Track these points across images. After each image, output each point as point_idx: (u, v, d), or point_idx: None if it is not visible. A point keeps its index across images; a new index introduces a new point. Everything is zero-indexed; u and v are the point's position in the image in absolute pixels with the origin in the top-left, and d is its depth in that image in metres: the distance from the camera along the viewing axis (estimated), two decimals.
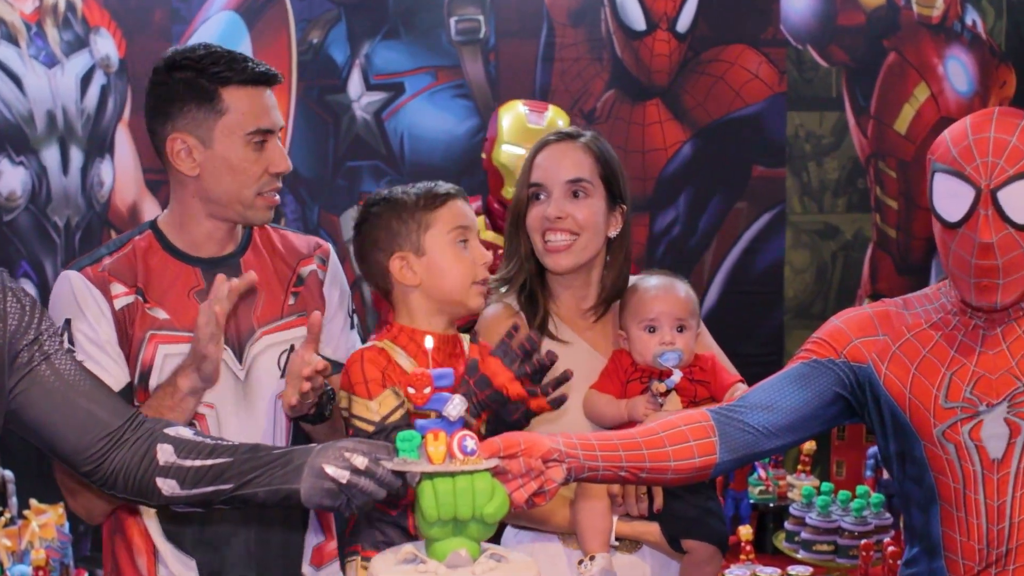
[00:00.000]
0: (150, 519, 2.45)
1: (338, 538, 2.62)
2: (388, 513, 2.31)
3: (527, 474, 2.00)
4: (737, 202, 5.52)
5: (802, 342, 2.33)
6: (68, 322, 2.39)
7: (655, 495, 2.52)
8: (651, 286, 2.59)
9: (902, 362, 2.21)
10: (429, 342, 2.02)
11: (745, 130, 5.48)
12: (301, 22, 5.13)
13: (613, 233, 2.65)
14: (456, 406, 1.90)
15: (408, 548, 1.94)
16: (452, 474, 1.87)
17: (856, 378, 2.23)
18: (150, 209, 5.03)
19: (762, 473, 4.52)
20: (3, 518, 3.98)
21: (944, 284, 2.27)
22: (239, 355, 2.45)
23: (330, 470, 1.92)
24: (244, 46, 4.95)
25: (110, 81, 4.99)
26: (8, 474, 4.09)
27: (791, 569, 3.83)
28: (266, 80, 2.43)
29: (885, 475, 4.52)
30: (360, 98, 5.17)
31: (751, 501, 4.52)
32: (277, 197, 2.48)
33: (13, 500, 4.08)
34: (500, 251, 2.52)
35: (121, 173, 5.02)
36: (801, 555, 4.12)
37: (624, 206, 2.65)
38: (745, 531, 3.89)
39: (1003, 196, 2.07)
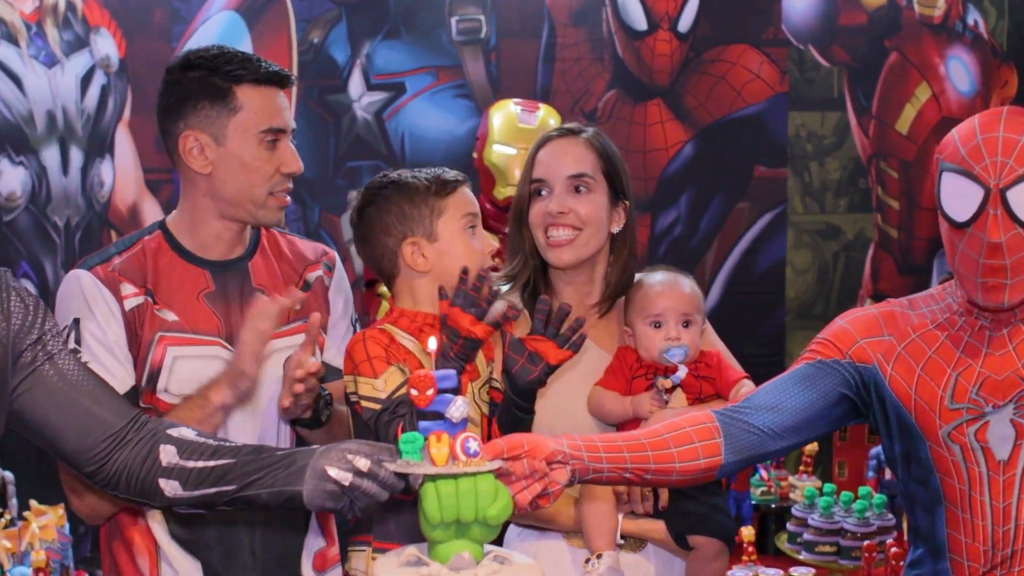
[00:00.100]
0: (155, 520, 2.45)
1: (340, 537, 2.61)
2: (405, 500, 2.29)
3: (531, 476, 1.99)
4: (738, 202, 5.52)
5: (803, 342, 2.33)
6: (77, 321, 2.38)
7: (660, 493, 2.52)
8: (656, 282, 2.59)
9: (907, 363, 2.20)
10: (432, 343, 2.01)
11: (746, 130, 5.48)
12: (302, 22, 5.13)
13: (616, 229, 2.64)
14: (459, 407, 1.88)
15: (411, 550, 1.93)
16: (455, 476, 1.86)
17: (861, 379, 2.22)
18: (150, 209, 5.03)
19: (764, 474, 4.52)
20: (3, 519, 3.98)
21: (950, 284, 2.26)
22: None
23: (332, 472, 1.91)
24: (244, 46, 4.95)
25: (110, 81, 4.99)
26: (8, 475, 4.09)
27: (793, 570, 3.81)
28: (279, 80, 2.44)
29: (887, 476, 4.53)
30: (361, 98, 5.17)
31: (753, 502, 4.52)
32: (288, 198, 2.47)
33: (13, 501, 4.08)
34: (489, 251, 2.52)
35: (121, 173, 5.02)
36: (803, 556, 4.11)
37: (627, 202, 2.65)
38: (747, 532, 3.88)
39: (1012, 196, 2.06)
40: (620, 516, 2.51)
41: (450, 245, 2.41)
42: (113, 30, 4.98)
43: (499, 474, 1.93)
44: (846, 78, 5.58)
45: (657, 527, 2.53)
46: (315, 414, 2.41)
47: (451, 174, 2.46)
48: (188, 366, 2.40)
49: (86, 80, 4.96)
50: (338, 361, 2.49)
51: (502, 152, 4.12)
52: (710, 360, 2.57)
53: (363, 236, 2.46)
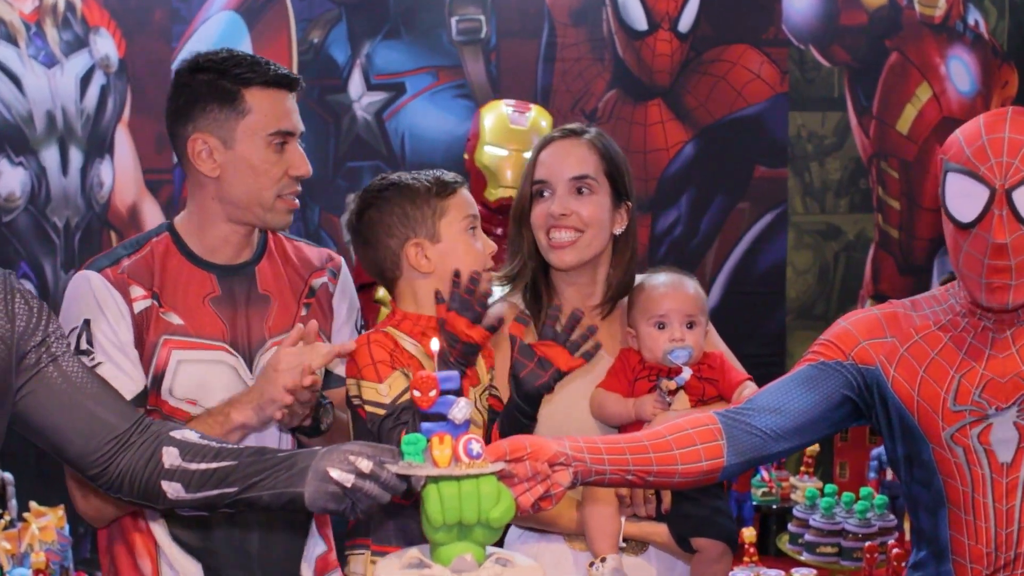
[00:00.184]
0: (156, 522, 2.45)
1: (336, 538, 2.61)
2: (404, 505, 2.29)
3: (533, 478, 1.99)
4: (739, 202, 5.52)
5: (804, 343, 2.32)
6: (87, 323, 2.38)
7: (663, 496, 2.51)
8: (660, 283, 2.58)
9: (910, 364, 2.20)
10: (435, 344, 2.00)
11: (747, 130, 5.48)
12: (302, 22, 5.12)
13: (618, 230, 2.63)
14: (462, 409, 1.88)
15: (413, 552, 1.93)
16: (457, 478, 1.86)
17: (864, 380, 2.22)
18: (150, 210, 5.03)
19: (765, 475, 4.51)
20: (3, 521, 3.97)
21: (952, 285, 2.26)
22: (249, 364, 2.44)
23: (334, 473, 1.91)
24: (244, 46, 4.94)
25: (110, 81, 4.98)
26: (8, 476, 4.08)
27: (795, 571, 3.81)
28: (287, 83, 2.43)
29: (888, 476, 4.52)
30: (361, 98, 5.16)
31: (754, 503, 4.52)
32: (296, 201, 2.47)
33: (13, 503, 4.07)
34: (490, 252, 2.52)
35: (121, 174, 5.01)
36: (805, 557, 4.11)
37: (629, 203, 2.64)
38: (748, 533, 3.87)
39: (1018, 196, 2.05)
40: (623, 519, 2.51)
41: (453, 246, 2.40)
42: (113, 30, 4.98)
43: (501, 476, 1.93)
44: (847, 78, 5.58)
45: (660, 530, 2.53)
46: (315, 422, 2.40)
47: (450, 175, 2.45)
48: (192, 370, 2.40)
49: (86, 80, 4.96)
50: (340, 368, 2.48)
51: (493, 153, 4.11)
52: (713, 362, 2.56)
53: (364, 239, 2.44)
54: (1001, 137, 2.06)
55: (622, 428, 2.51)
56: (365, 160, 5.13)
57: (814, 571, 3.86)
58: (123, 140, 5.01)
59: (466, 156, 4.21)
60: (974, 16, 5.64)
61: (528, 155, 4.06)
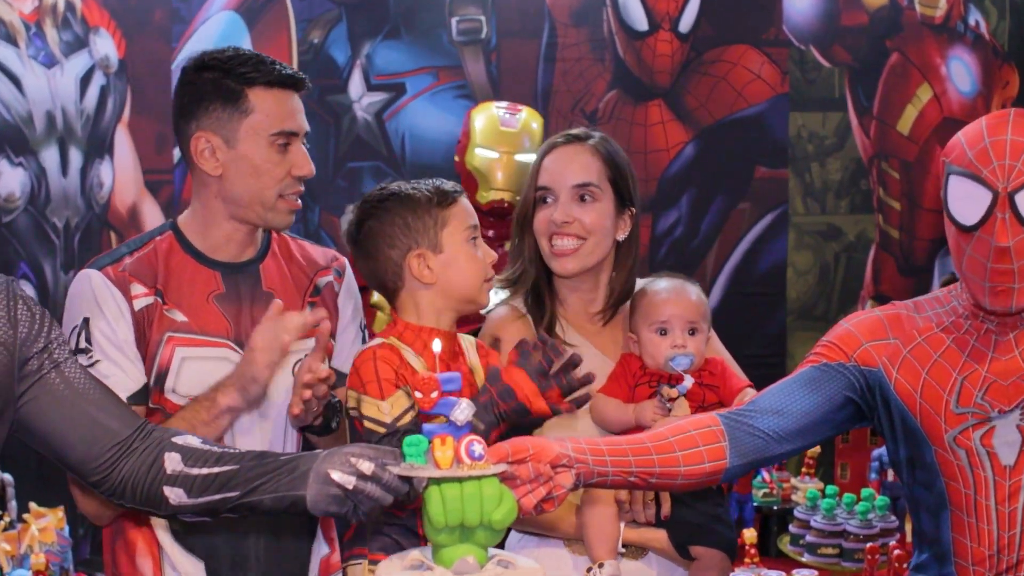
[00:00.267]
0: (158, 523, 2.44)
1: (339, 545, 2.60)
2: (397, 516, 2.29)
3: (536, 479, 1.98)
4: (739, 203, 5.51)
5: (805, 343, 2.32)
6: (86, 321, 2.38)
7: (663, 501, 2.50)
8: (662, 289, 2.57)
9: (913, 366, 2.19)
10: (437, 345, 2.00)
11: (747, 131, 5.48)
12: (302, 22, 5.12)
13: (621, 236, 2.62)
14: (464, 410, 1.87)
15: (415, 554, 1.93)
16: (460, 479, 1.85)
17: (866, 382, 2.21)
18: (150, 210, 5.03)
19: (766, 476, 4.51)
20: (2, 522, 3.97)
21: (955, 287, 2.25)
22: None
23: (336, 476, 1.90)
24: (244, 46, 4.92)
25: (109, 81, 4.98)
26: (8, 477, 4.08)
27: (796, 572, 3.81)
28: (292, 84, 2.43)
29: (889, 478, 4.52)
30: (361, 98, 5.16)
31: (755, 504, 4.51)
32: (299, 201, 2.46)
33: (13, 504, 4.07)
34: (490, 261, 2.51)
35: (121, 174, 5.00)
36: (806, 558, 4.11)
37: (633, 209, 2.63)
38: (749, 534, 3.87)
39: (1021, 199, 2.04)
40: (622, 524, 2.50)
41: (455, 256, 2.38)
42: (112, 30, 4.97)
43: (503, 478, 1.93)
44: (847, 78, 5.58)
45: (659, 536, 2.52)
46: (325, 421, 2.40)
47: (449, 184, 2.43)
48: (196, 367, 2.39)
49: (85, 80, 4.95)
50: (347, 368, 2.48)
51: (484, 156, 4.09)
52: (714, 368, 2.55)
53: (364, 250, 2.42)
54: (1003, 140, 2.06)
55: (622, 434, 2.50)
56: (365, 161, 5.13)
57: (815, 572, 3.87)
58: (123, 140, 5.00)
59: (456, 158, 4.19)
60: (975, 16, 5.64)
61: (519, 157, 4.08)
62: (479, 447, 1.86)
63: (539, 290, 2.62)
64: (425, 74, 5.21)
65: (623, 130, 5.30)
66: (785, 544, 4.28)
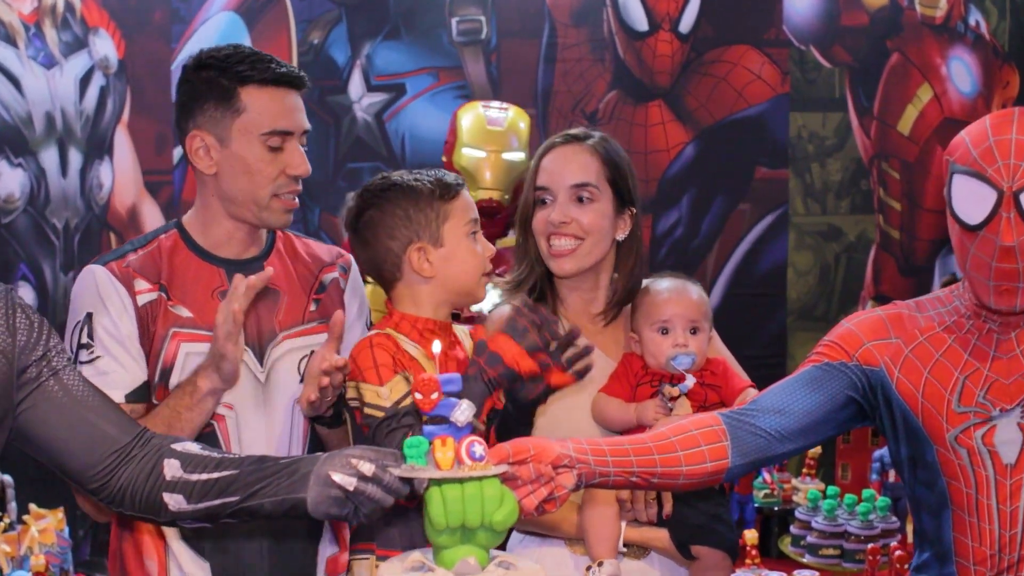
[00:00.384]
0: None
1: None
2: (408, 507, 2.27)
3: (537, 480, 1.98)
4: (740, 203, 5.51)
5: (805, 344, 2.32)
6: (89, 316, 2.38)
7: (664, 501, 2.50)
8: (663, 288, 2.57)
9: (915, 366, 2.19)
10: (436, 347, 1.99)
11: (748, 131, 5.48)
12: (302, 22, 5.12)
13: (621, 236, 2.62)
14: (464, 411, 1.87)
15: (416, 556, 1.92)
16: (461, 480, 1.85)
17: (868, 382, 2.21)
18: (149, 211, 5.02)
19: (767, 477, 4.50)
20: (2, 523, 3.96)
21: (957, 287, 2.25)
22: (260, 358, 2.44)
23: (337, 477, 1.89)
24: None
25: (109, 82, 4.97)
26: (7, 479, 4.08)
27: (797, 573, 3.80)
28: (288, 82, 2.42)
29: (890, 478, 4.52)
30: (361, 99, 5.16)
31: (756, 505, 4.51)
32: (296, 200, 2.46)
33: (12, 505, 4.07)
34: (489, 255, 2.51)
35: (120, 175, 5.00)
36: (807, 559, 4.10)
37: (633, 209, 2.62)
38: (750, 535, 3.86)
39: None
40: (623, 523, 2.50)
41: (455, 251, 2.38)
42: (112, 31, 4.97)
43: (505, 478, 1.92)
44: (847, 79, 5.58)
45: (660, 535, 2.51)
46: (336, 412, 2.39)
47: (451, 177, 2.43)
48: (200, 362, 2.39)
49: (85, 81, 4.95)
50: None
51: (471, 155, 4.09)
52: (716, 368, 2.55)
53: (364, 239, 2.42)
54: (1008, 139, 2.05)
55: (624, 433, 2.49)
56: (365, 161, 5.13)
57: (816, 573, 3.86)
58: (122, 141, 5.00)
59: (444, 158, 4.19)
60: (975, 17, 5.63)
61: (506, 156, 4.08)
62: (480, 448, 1.86)
63: (542, 290, 2.62)
64: (425, 74, 5.20)
65: (623, 130, 5.30)
66: (786, 545, 4.28)
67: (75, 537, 4.25)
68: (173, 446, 2.02)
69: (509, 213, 4.07)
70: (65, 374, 2.00)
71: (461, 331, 2.48)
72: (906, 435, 2.20)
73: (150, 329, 2.39)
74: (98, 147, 4.97)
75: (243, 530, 2.44)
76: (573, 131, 2.65)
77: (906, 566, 3.53)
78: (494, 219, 3.93)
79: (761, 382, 2.41)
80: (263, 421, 2.43)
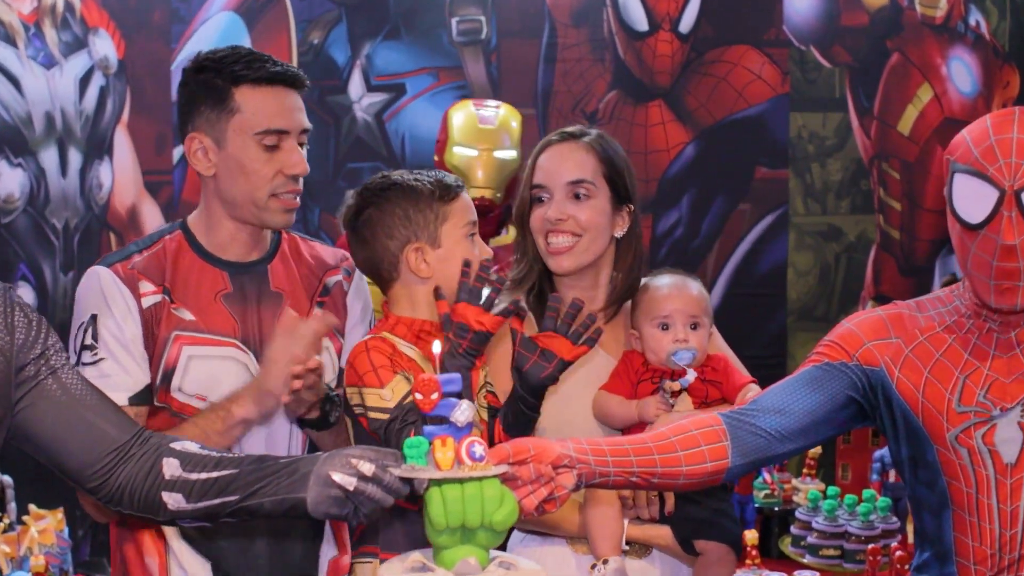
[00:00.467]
0: None
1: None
2: (411, 508, 2.27)
3: (537, 480, 1.98)
4: (740, 204, 5.51)
5: (805, 344, 2.32)
6: (94, 318, 2.39)
7: (666, 498, 2.50)
8: (663, 284, 2.58)
9: (915, 365, 2.19)
10: (437, 347, 1.99)
11: (748, 131, 5.47)
12: (301, 22, 5.11)
13: (619, 233, 2.62)
14: (464, 411, 1.87)
15: (416, 556, 1.92)
16: (461, 480, 1.85)
17: (869, 381, 2.21)
18: (149, 211, 5.02)
19: (767, 477, 4.49)
20: (2, 524, 3.96)
21: (957, 286, 2.25)
22: (261, 361, 2.43)
23: (337, 477, 1.89)
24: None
25: (109, 82, 4.97)
26: (7, 479, 4.07)
27: (797, 574, 3.80)
28: (282, 80, 2.41)
29: (891, 479, 4.51)
30: (361, 99, 5.16)
31: (756, 505, 4.50)
32: (296, 200, 2.45)
33: (12, 505, 4.06)
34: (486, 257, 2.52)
35: (120, 175, 5.00)
36: (807, 560, 4.09)
37: (631, 206, 2.62)
38: (750, 535, 3.86)
39: None
40: (625, 521, 2.49)
41: (452, 252, 2.38)
42: (112, 31, 4.97)
43: (505, 479, 1.92)
44: (848, 79, 5.57)
45: (663, 533, 2.52)
46: (323, 415, 2.39)
47: (451, 178, 2.43)
48: (202, 366, 2.40)
49: (85, 81, 4.94)
50: None
51: (463, 154, 4.08)
52: (717, 364, 2.55)
53: (362, 237, 2.42)
54: (1010, 138, 2.05)
55: (625, 430, 2.50)
56: (365, 161, 5.12)
57: (817, 574, 3.85)
58: (122, 141, 5.00)
59: (436, 158, 4.19)
60: (975, 17, 5.63)
61: (498, 154, 4.08)
62: (480, 448, 1.86)
63: (541, 287, 2.62)
64: (425, 74, 5.20)
65: (623, 131, 5.29)
66: (786, 545, 4.27)
67: (75, 537, 4.24)
68: (172, 445, 2.02)
69: (501, 211, 4.07)
70: (63, 373, 2.00)
71: None
72: (906, 435, 2.20)
73: (154, 332, 2.40)
74: (98, 147, 4.97)
75: (244, 531, 2.44)
76: (569, 129, 2.65)
77: (907, 566, 3.53)
78: (487, 217, 3.93)
79: (761, 382, 2.42)
80: (263, 426, 2.42)
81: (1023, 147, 2.05)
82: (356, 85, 5.15)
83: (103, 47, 4.95)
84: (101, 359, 2.35)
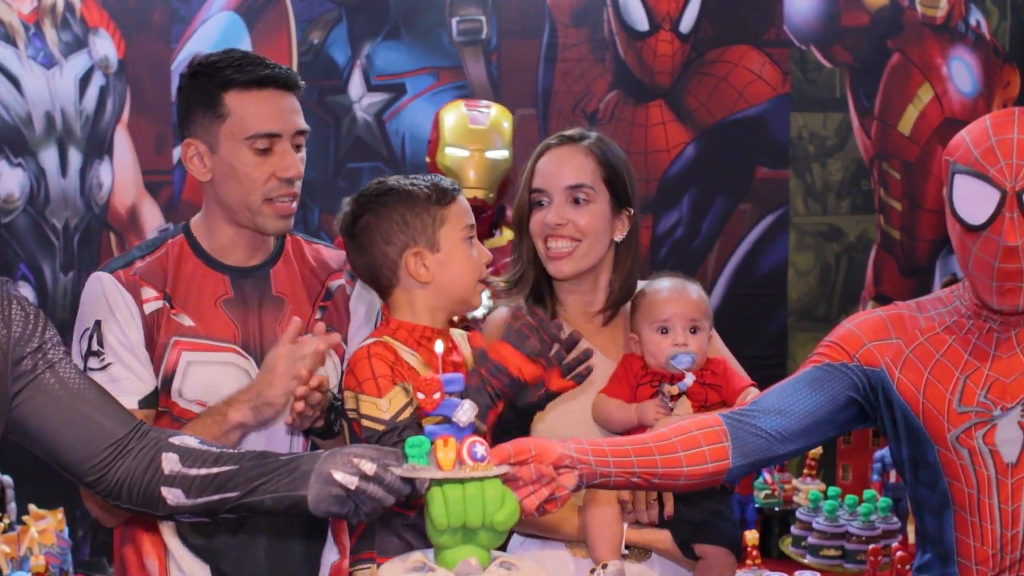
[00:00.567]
0: (165, 523, 2.43)
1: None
2: (406, 515, 2.27)
3: (538, 481, 1.98)
4: (740, 204, 5.51)
5: (805, 344, 2.32)
6: (98, 323, 2.39)
7: (666, 501, 2.49)
8: (663, 288, 2.57)
9: (915, 366, 2.19)
10: (439, 346, 1.98)
11: (748, 131, 5.47)
12: (302, 22, 5.11)
13: (619, 237, 2.61)
14: (466, 412, 1.87)
15: (417, 556, 1.92)
16: (462, 481, 1.85)
17: (869, 382, 2.21)
18: (149, 211, 5.02)
19: (767, 477, 4.49)
20: (2, 524, 3.96)
21: (958, 287, 2.25)
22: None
23: (338, 476, 1.89)
24: (244, 47, 4.92)
25: (109, 82, 4.97)
26: (7, 479, 4.07)
27: (798, 574, 3.80)
28: (273, 82, 2.40)
29: (891, 479, 4.51)
30: (361, 99, 5.15)
31: (756, 505, 4.50)
32: (292, 205, 2.44)
33: (12, 506, 4.06)
34: (485, 260, 2.51)
35: (120, 175, 5.00)
36: (808, 560, 4.10)
37: (631, 209, 2.62)
38: (751, 536, 3.86)
39: None
40: (625, 525, 2.49)
41: (451, 256, 2.37)
42: (112, 31, 4.97)
43: (506, 479, 1.92)
44: (848, 79, 5.57)
45: (662, 536, 2.51)
46: (328, 424, 2.39)
47: (447, 182, 2.42)
48: (202, 371, 2.39)
49: (85, 81, 4.94)
50: None
51: (454, 154, 4.08)
52: (716, 368, 2.54)
53: (360, 245, 2.40)
54: (1010, 138, 2.05)
55: (624, 434, 2.49)
56: (365, 161, 5.12)
57: (817, 574, 3.86)
58: (122, 141, 5.00)
59: (428, 159, 4.18)
60: (976, 17, 5.63)
61: (489, 154, 4.08)
62: (481, 448, 1.86)
63: (539, 291, 2.61)
64: (425, 74, 5.20)
65: (624, 131, 5.29)
66: (787, 546, 4.27)
67: (75, 538, 4.24)
68: (171, 439, 2.01)
69: (494, 212, 4.07)
70: (61, 367, 1.99)
71: (459, 335, 2.47)
72: (907, 435, 2.20)
73: (154, 337, 2.39)
74: (98, 147, 4.97)
75: (244, 534, 2.43)
76: (569, 132, 2.64)
77: (907, 567, 3.53)
78: (479, 218, 3.93)
79: (761, 382, 2.41)
80: (263, 431, 2.41)
81: (1023, 148, 2.05)
82: (356, 85, 5.15)
83: (103, 47, 4.95)
84: (109, 364, 2.36)
